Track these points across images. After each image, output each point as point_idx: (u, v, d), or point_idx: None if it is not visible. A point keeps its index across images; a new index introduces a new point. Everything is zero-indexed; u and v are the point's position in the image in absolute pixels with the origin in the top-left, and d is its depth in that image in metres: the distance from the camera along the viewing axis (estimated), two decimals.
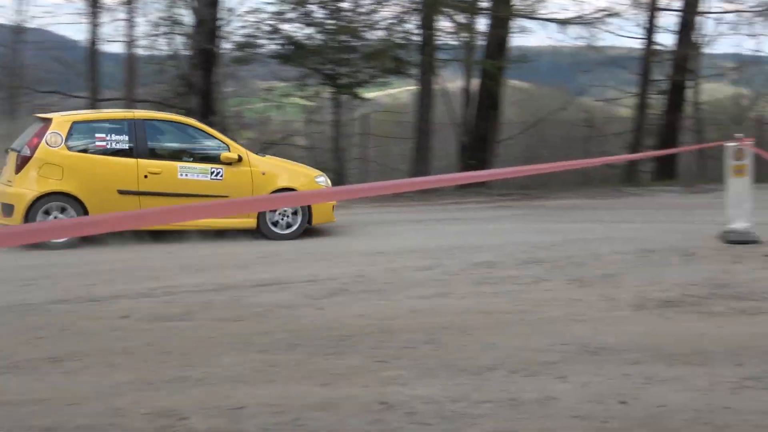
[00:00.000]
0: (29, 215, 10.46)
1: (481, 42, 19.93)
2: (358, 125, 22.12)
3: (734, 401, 5.19)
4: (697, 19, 22.80)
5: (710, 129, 23.57)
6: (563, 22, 20.16)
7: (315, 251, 10.41)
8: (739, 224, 11.05)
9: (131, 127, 10.98)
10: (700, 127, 23.36)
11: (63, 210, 10.65)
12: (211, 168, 11.13)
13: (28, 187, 10.62)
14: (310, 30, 19.17)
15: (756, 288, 8.23)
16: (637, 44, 22.02)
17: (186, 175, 11.03)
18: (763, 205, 14.16)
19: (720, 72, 26.13)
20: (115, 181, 10.83)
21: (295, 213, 11.36)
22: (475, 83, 20.19)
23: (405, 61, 19.58)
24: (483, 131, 19.67)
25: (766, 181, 17.78)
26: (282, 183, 11.39)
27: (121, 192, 10.81)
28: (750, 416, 4.97)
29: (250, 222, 11.26)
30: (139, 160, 10.92)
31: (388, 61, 18.74)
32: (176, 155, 11.12)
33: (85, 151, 10.87)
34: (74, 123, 10.94)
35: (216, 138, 11.36)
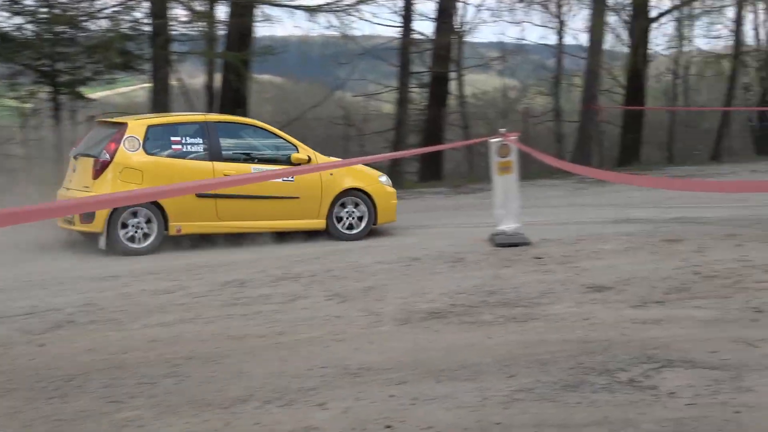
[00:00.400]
0: (111, 220, 11.34)
1: (222, 32, 19.89)
2: (84, 129, 21.42)
3: (505, 416, 5.48)
4: (457, 5, 23.89)
5: (477, 124, 24.73)
6: (312, 10, 20.51)
7: (31, 278, 10.01)
8: (508, 225, 11.68)
9: (204, 129, 12.09)
10: (466, 122, 24.44)
11: (136, 215, 11.52)
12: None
13: (109, 192, 11.14)
14: (18, 20, 18.40)
15: (525, 293, 8.74)
16: (396, 33, 22.78)
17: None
18: (535, 204, 15.14)
19: (484, 62, 27.50)
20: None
21: (360, 217, 12.64)
22: (219, 78, 20.14)
23: (135, 55, 19.19)
24: None
25: (537, 178, 18.96)
26: (348, 183, 12.59)
27: (199, 195, 11.67)
28: (521, 430, 5.27)
29: (320, 223, 12.42)
30: (214, 163, 11.96)
31: (114, 54, 18.29)
32: (247, 157, 12.12)
33: (161, 154, 11.84)
34: (149, 127, 11.94)
35: (284, 139, 12.52)
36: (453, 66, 24.04)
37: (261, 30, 22.17)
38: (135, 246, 11.51)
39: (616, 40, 27.32)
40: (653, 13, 25.81)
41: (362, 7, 20.82)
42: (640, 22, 24.69)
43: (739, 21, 27.31)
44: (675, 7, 27.02)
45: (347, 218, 12.61)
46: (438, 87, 23.12)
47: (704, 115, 29.74)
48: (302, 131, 22.67)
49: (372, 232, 12.75)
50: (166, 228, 11.70)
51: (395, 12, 22.69)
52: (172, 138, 12.00)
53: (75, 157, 12.22)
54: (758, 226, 13.02)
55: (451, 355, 6.76)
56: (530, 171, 18.07)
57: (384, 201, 12.85)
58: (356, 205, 12.64)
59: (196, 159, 11.96)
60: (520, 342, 7.12)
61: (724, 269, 9.67)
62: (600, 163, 23.32)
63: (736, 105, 28.03)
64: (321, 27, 21.89)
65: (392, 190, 13.12)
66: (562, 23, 26.14)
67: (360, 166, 12.95)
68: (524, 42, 27.53)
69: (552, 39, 26.55)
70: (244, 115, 20.26)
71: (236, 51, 19.39)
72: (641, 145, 25.21)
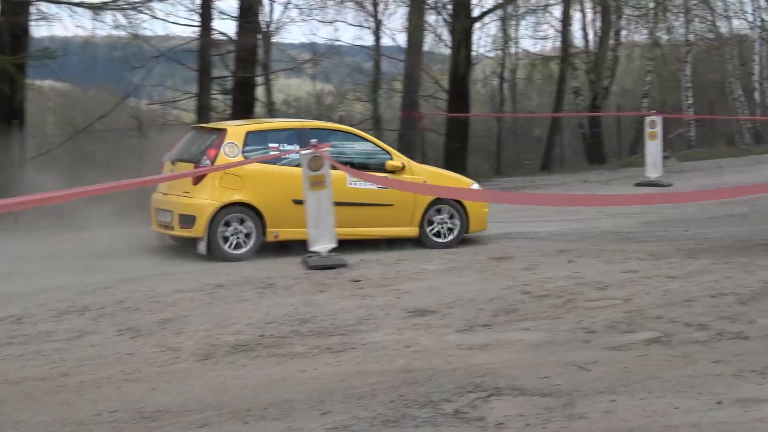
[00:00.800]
0: (212, 226, 12.45)
1: None
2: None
3: None
4: (263, 2, 23.93)
5: None
6: (96, 8, 20.10)
7: None
8: (322, 246, 11.74)
9: (301, 135, 13.04)
10: None
11: (242, 221, 12.63)
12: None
13: (209, 197, 12.60)
14: None
15: (342, 320, 8.81)
16: (194, 33, 22.55)
17: (354, 183, 13.07)
18: None
19: (295, 65, 27.59)
20: (290, 190, 12.63)
21: (452, 225, 13.54)
22: None
23: None
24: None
25: None
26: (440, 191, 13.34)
27: (295, 201, 12.47)
28: None
29: (413, 231, 13.40)
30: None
31: None
32: (342, 164, 12.61)
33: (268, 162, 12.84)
34: (248, 133, 13.09)
35: (378, 146, 13.72)
36: (260, 70, 24.03)
37: (38, 30, 21.58)
38: (234, 252, 12.56)
39: (437, 41, 27.97)
40: (476, 12, 26.45)
41: (154, 4, 20.58)
42: (461, 22, 25.19)
43: (566, 21, 28.38)
44: (498, 6, 27.80)
45: (439, 226, 13.56)
46: (243, 93, 23.02)
47: (534, 121, 30.78)
48: (91, 144, 22.17)
49: (185, 253, 12.63)
50: (264, 234, 12.72)
51: (193, 10, 22.50)
52: (270, 144, 13.12)
53: (173, 162, 13.25)
54: (591, 240, 13.57)
55: (259, 392, 6.73)
56: None
57: (476, 209, 13.69)
58: (449, 214, 13.56)
59: (293, 165, 12.83)
60: (335, 374, 7.16)
61: (555, 288, 10.02)
62: None
63: (566, 110, 29.11)
64: (108, 27, 21.30)
65: None
66: (378, 23, 26.56)
67: (452, 174, 14.36)
68: (338, 43, 27.81)
69: (368, 40, 26.96)
70: (21, 126, 19.65)
71: (9, 54, 18.77)
72: (467, 154, 25.75)
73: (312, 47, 27.71)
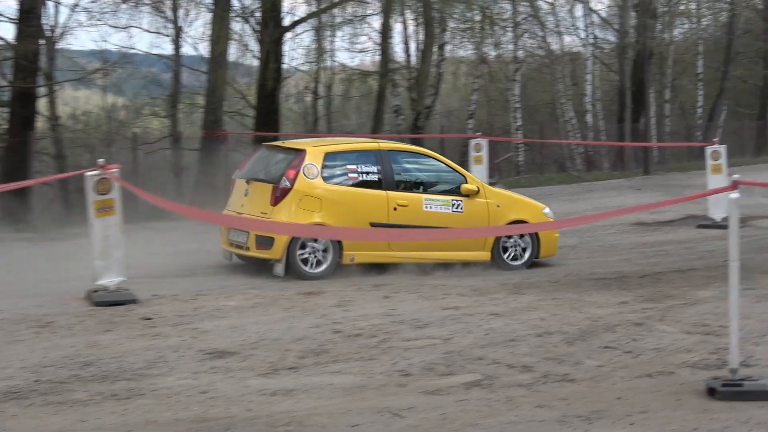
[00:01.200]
0: (290, 248, 13.52)
1: None
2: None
3: None
4: (46, 4, 23.42)
5: (76, 152, 24.20)
6: None
7: None
8: (110, 279, 11.53)
9: (378, 157, 14.30)
10: (61, 150, 23.85)
11: (316, 240, 13.69)
12: (452, 200, 14.51)
13: (288, 219, 13.56)
14: None
15: (130, 363, 8.67)
16: None
17: (430, 207, 14.32)
18: (150, 251, 15.05)
19: (83, 75, 27.10)
20: (368, 213, 13.96)
21: (524, 248, 14.82)
22: None
23: None
24: None
25: (154, 219, 18.80)
26: (513, 215, 14.80)
27: (373, 224, 13.87)
28: None
29: (485, 255, 14.62)
30: (388, 192, 14.19)
31: None
32: (418, 186, 14.41)
33: (338, 182, 14.06)
34: (327, 153, 14.14)
35: (453, 169, 14.84)
36: (42, 79, 23.50)
37: None
38: (313, 271, 13.67)
39: (244, 52, 27.91)
40: (286, 21, 26.44)
41: None
42: (270, 32, 25.07)
43: (386, 33, 28.65)
44: (311, 15, 27.93)
45: (513, 249, 14.78)
46: (23, 106, 22.46)
47: None
48: None
49: None
50: (340, 256, 13.80)
51: None
52: (348, 166, 14.20)
53: (247, 181, 14.36)
54: (410, 272, 13.76)
55: None
56: (141, 211, 17.99)
57: (547, 234, 14.89)
58: (521, 236, 14.77)
59: (371, 187, 14.15)
60: (121, 425, 7.05)
61: (369, 326, 10.10)
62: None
63: (385, 131, 29.36)
64: None
65: None
66: (178, 30, 26.35)
67: (525, 198, 15.58)
68: (133, 51, 27.45)
69: (167, 48, 26.72)
70: None
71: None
72: None
73: (103, 55, 27.30)
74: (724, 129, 38.80)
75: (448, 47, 32.63)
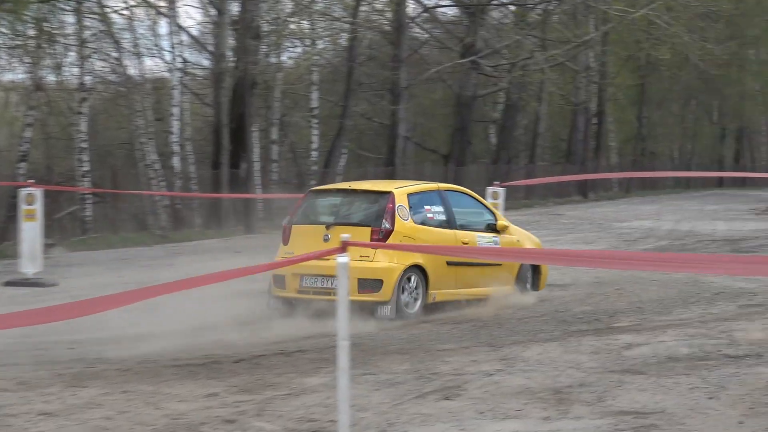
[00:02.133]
0: (396, 288, 16.95)
1: None
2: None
3: None
4: None
5: None
6: None
7: None
8: None
9: (440, 197, 18.40)
10: None
11: (409, 279, 17.26)
12: (493, 237, 18.79)
13: (393, 260, 16.99)
14: None
15: None
16: None
17: (483, 244, 18.43)
18: None
19: None
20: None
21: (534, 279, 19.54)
22: None
23: None
24: None
25: None
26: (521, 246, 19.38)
27: (449, 263, 17.60)
28: None
29: (511, 290, 18.76)
30: (455, 231, 18.17)
31: None
32: (468, 224, 18.52)
33: (422, 223, 17.83)
34: (409, 195, 17.84)
35: (485, 206, 19.38)
36: None
37: None
38: (411, 311, 17.09)
39: None
40: None
41: None
42: None
43: None
44: None
45: (526, 281, 19.32)
46: None
47: None
48: None
49: None
50: (426, 295, 17.34)
51: None
52: (426, 206, 17.96)
53: (327, 227, 17.32)
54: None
55: None
56: None
57: (545, 267, 19.63)
58: (533, 270, 19.40)
59: (442, 227, 18.03)
60: None
61: None
62: None
63: None
64: None
65: None
66: None
67: (526, 232, 20.12)
68: None
69: None
70: None
71: None
72: None
73: None
74: (346, 176, 39.88)
75: None
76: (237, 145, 34.91)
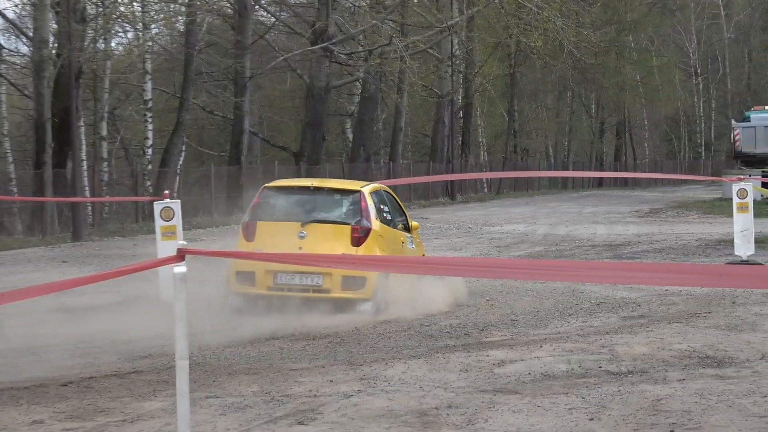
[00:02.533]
0: (378, 286, 18.68)
1: None
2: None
3: None
4: None
5: None
6: None
7: None
8: None
9: (385, 197, 20.24)
10: None
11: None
12: (408, 237, 20.48)
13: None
14: None
15: None
16: None
17: (407, 244, 20.21)
18: None
19: None
20: (395, 250, 19.50)
21: None
22: None
23: None
24: None
25: None
26: (423, 250, 21.71)
27: None
28: None
29: None
30: (394, 229, 19.94)
31: None
32: (396, 225, 20.17)
33: (382, 221, 19.42)
34: (371, 194, 19.59)
35: (401, 207, 21.09)
36: None
37: None
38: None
39: None
40: None
41: None
42: None
43: None
44: None
45: None
46: None
47: None
48: None
49: None
50: None
51: None
52: (381, 206, 19.41)
53: (303, 224, 18.60)
54: None
55: None
56: None
57: None
58: None
59: (389, 225, 19.50)
60: None
61: None
62: None
63: None
64: None
65: None
66: None
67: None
68: None
69: None
70: None
71: None
72: None
73: None
74: (184, 177, 39.71)
75: None
76: (62, 141, 34.52)
